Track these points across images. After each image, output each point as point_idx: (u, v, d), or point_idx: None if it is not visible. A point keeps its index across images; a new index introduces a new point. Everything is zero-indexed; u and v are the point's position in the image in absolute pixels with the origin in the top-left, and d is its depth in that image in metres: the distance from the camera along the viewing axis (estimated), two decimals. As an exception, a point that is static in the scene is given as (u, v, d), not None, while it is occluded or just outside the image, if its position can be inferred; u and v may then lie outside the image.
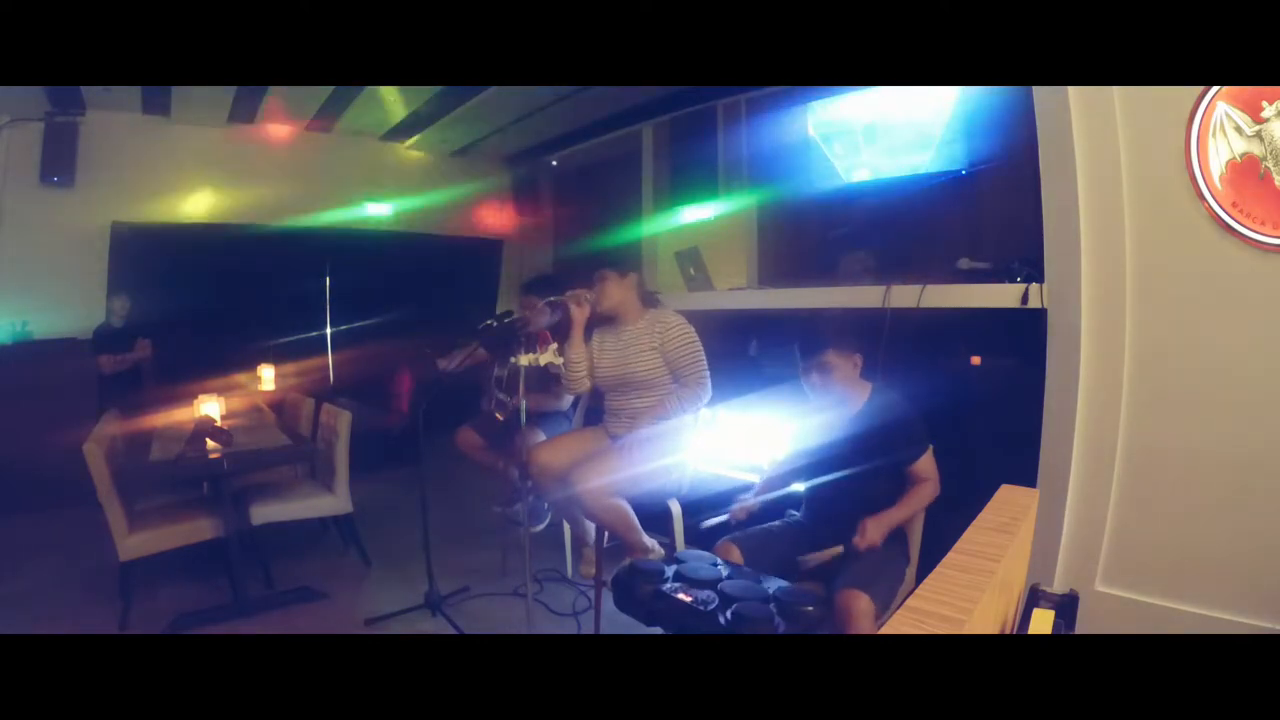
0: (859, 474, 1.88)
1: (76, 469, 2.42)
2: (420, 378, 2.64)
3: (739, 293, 3.63)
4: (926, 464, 1.86)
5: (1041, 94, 2.18)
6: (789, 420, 2.10)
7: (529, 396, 2.31)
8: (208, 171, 5.02)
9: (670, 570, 1.68)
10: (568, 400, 3.15)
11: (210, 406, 3.16)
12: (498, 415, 2.41)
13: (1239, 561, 1.91)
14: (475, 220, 6.40)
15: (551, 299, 2.49)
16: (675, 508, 2.40)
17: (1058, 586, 1.21)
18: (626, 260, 2.55)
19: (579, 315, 2.42)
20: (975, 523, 1.17)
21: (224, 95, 4.56)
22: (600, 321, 2.55)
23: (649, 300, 2.48)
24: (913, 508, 1.86)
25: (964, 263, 2.68)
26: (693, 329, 2.37)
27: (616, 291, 2.43)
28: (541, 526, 3.24)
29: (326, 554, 3.33)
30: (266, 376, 4.27)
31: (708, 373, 2.34)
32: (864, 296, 2.68)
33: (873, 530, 1.77)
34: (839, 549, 1.76)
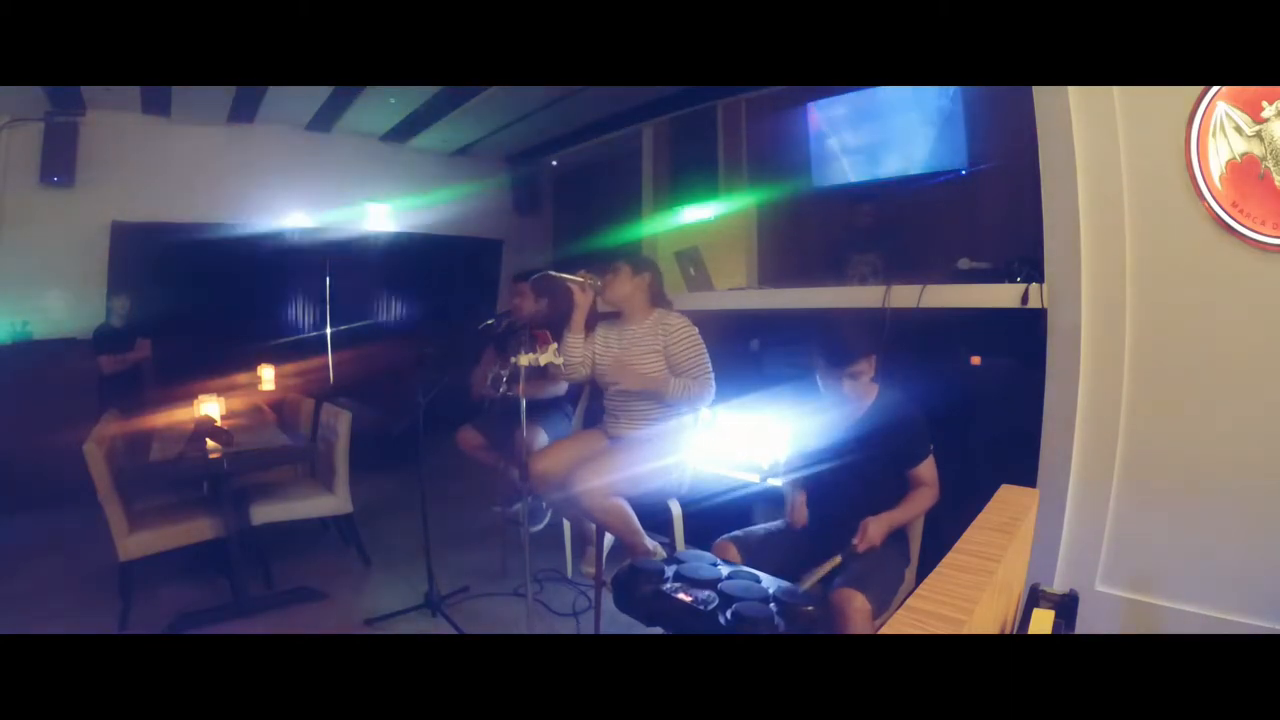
0: (862, 475, 1.88)
1: (76, 469, 2.43)
2: (420, 377, 2.63)
3: (739, 293, 3.63)
4: (928, 469, 1.86)
5: (1041, 94, 2.18)
6: (791, 420, 2.10)
7: (527, 384, 2.30)
8: (208, 171, 5.03)
9: (670, 570, 1.69)
10: (565, 385, 3.14)
11: (210, 406, 3.16)
12: (498, 389, 2.39)
13: (1239, 561, 1.90)
14: (475, 220, 6.40)
15: (552, 273, 2.42)
16: (675, 508, 2.40)
17: (1058, 586, 1.21)
18: (643, 259, 2.53)
19: (582, 300, 2.41)
20: (975, 523, 1.17)
21: (224, 95, 4.57)
22: (606, 317, 2.54)
23: (658, 301, 2.48)
24: (913, 511, 1.86)
25: (964, 263, 2.67)
26: (696, 330, 2.37)
27: (626, 286, 2.41)
28: (541, 526, 3.24)
29: (326, 554, 3.33)
30: (266, 376, 4.27)
31: (711, 373, 2.34)
32: (864, 296, 2.67)
33: (873, 531, 1.77)
34: (837, 560, 1.76)
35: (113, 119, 4.67)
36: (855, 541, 1.76)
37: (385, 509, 3.80)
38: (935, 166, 3.55)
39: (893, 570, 1.81)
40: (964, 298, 2.40)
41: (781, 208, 4.38)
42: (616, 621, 2.04)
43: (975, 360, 2.45)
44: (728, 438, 2.52)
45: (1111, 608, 2.10)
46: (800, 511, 1.94)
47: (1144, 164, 2.02)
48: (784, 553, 1.91)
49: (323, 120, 5.26)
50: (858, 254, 3.58)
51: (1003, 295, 2.29)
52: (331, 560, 3.24)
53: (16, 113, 4.34)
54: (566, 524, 2.97)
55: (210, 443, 2.72)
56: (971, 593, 0.89)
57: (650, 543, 2.34)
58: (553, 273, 2.43)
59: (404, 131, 5.59)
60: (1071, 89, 2.08)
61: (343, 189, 5.59)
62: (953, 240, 3.09)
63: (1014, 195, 2.68)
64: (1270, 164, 1.81)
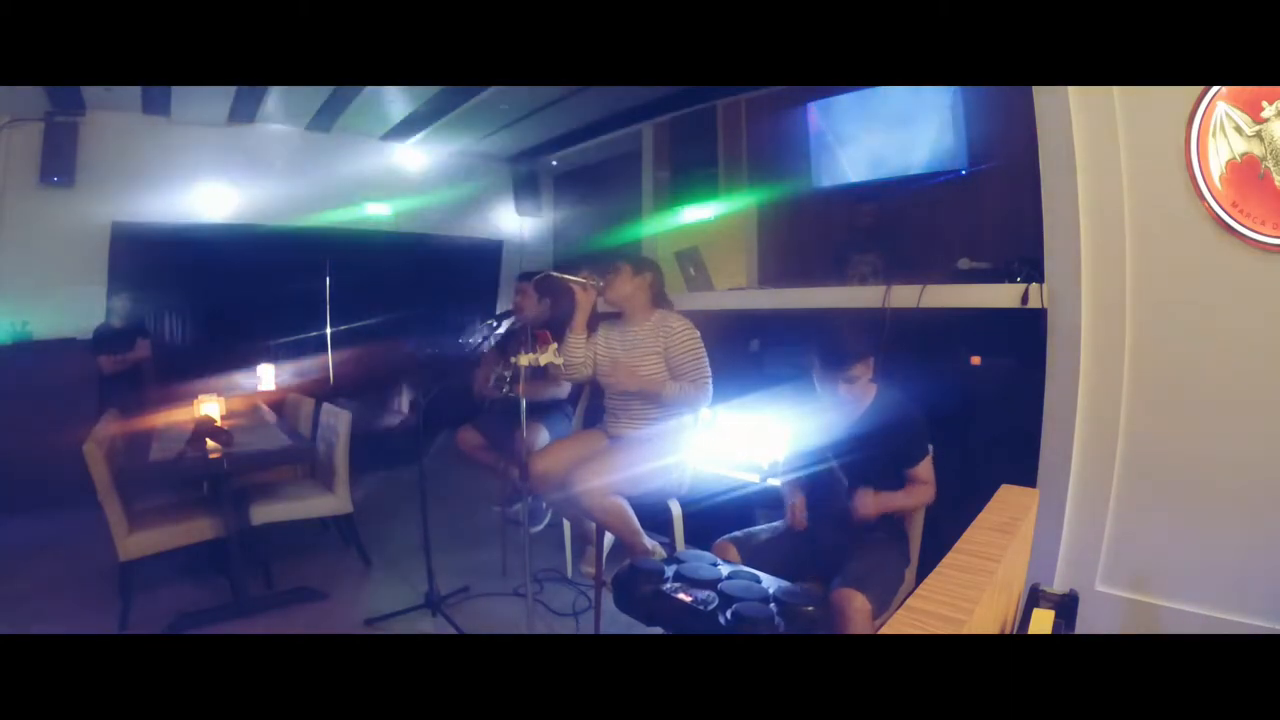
0: (862, 474, 1.88)
1: (76, 469, 2.42)
2: (420, 378, 2.63)
3: (739, 293, 3.63)
4: (926, 469, 1.87)
5: (1041, 94, 2.18)
6: (791, 420, 2.10)
7: (528, 384, 2.30)
8: (208, 171, 5.02)
9: (670, 570, 1.69)
10: (567, 387, 3.14)
11: (210, 406, 3.16)
12: (500, 389, 2.39)
13: (1239, 561, 1.91)
14: (475, 220, 6.40)
15: (554, 273, 2.44)
16: (675, 508, 2.40)
17: (1058, 586, 1.21)
18: (644, 259, 2.54)
19: (584, 299, 2.41)
20: (975, 523, 1.17)
21: (224, 95, 4.57)
22: (608, 318, 2.54)
23: (660, 302, 2.48)
24: (909, 501, 1.86)
25: (964, 263, 2.67)
26: (698, 333, 2.37)
27: (627, 286, 2.41)
28: (541, 526, 3.24)
29: (326, 554, 3.33)
30: (266, 376, 4.27)
31: (709, 377, 2.34)
32: (864, 296, 2.68)
33: (871, 502, 1.78)
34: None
35: (113, 119, 4.67)
36: (854, 504, 1.79)
37: (385, 509, 3.80)
38: (935, 166, 3.55)
39: (893, 570, 1.81)
40: (964, 298, 2.40)
41: (781, 208, 4.38)
42: (616, 621, 2.04)
43: (975, 360, 2.45)
44: (728, 438, 2.52)
45: (1111, 608, 2.10)
46: (800, 514, 1.95)
47: (1144, 164, 2.02)
48: (784, 553, 1.91)
49: (323, 120, 5.26)
50: (858, 254, 3.58)
51: (1003, 295, 2.29)
52: (331, 560, 3.24)
53: (16, 113, 4.34)
54: (566, 524, 2.98)
55: (210, 443, 2.72)
56: (971, 593, 0.89)
57: (650, 542, 2.34)
58: (555, 273, 2.43)
59: (404, 131, 5.59)
60: (1071, 89, 2.08)
61: (343, 189, 5.59)
62: (953, 240, 3.09)
63: (1014, 195, 2.68)
64: (1270, 164, 1.81)
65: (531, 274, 3.21)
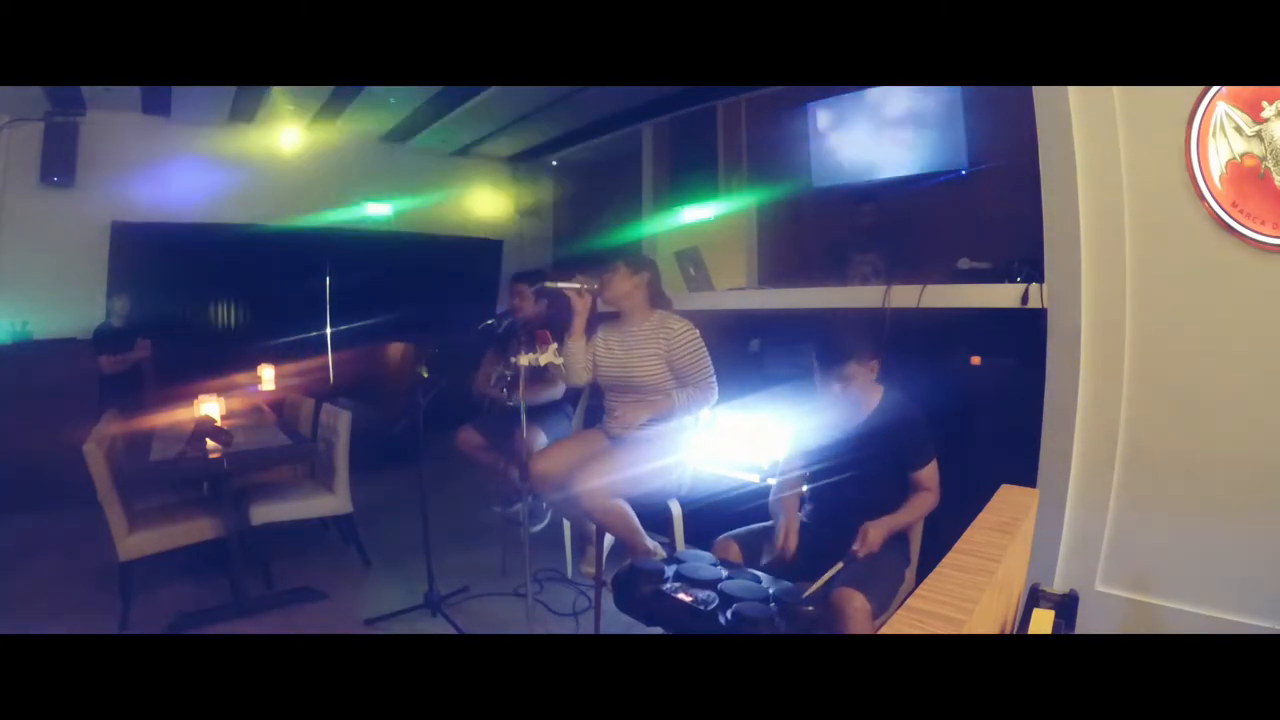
0: (865, 476, 1.88)
1: (76, 469, 2.42)
2: (420, 378, 2.63)
3: (739, 293, 3.63)
4: (930, 473, 1.86)
5: (1041, 94, 2.18)
6: (793, 420, 2.09)
7: (528, 385, 2.29)
8: (208, 171, 5.03)
9: (670, 570, 1.69)
10: (562, 388, 3.14)
11: (210, 406, 3.15)
12: (501, 390, 2.37)
13: (1239, 561, 1.90)
14: (475, 220, 6.41)
15: (548, 284, 2.44)
16: (675, 508, 2.40)
17: (1058, 586, 1.21)
18: (641, 258, 2.53)
19: (580, 304, 2.40)
20: (975, 523, 1.17)
21: (224, 95, 4.57)
22: (607, 319, 2.54)
23: (658, 302, 2.47)
24: (913, 515, 1.85)
25: (964, 263, 2.67)
26: (698, 334, 2.37)
27: (624, 285, 2.40)
28: (541, 526, 3.24)
29: (326, 554, 3.33)
30: (266, 376, 4.26)
31: (714, 378, 2.34)
32: (864, 296, 2.67)
33: (873, 535, 1.76)
34: (840, 565, 1.75)
35: (113, 119, 4.68)
36: (855, 547, 1.76)
37: (385, 509, 3.79)
38: (935, 166, 3.56)
39: (893, 570, 1.81)
40: (964, 298, 2.40)
41: (781, 208, 4.38)
42: (616, 621, 2.04)
43: (975, 360, 2.45)
44: (728, 438, 2.52)
45: (1111, 608, 2.10)
46: (790, 540, 1.91)
47: (1144, 164, 2.01)
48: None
49: (323, 120, 5.26)
50: (858, 254, 3.58)
51: (1003, 295, 2.29)
52: (331, 560, 3.24)
53: (16, 113, 4.34)
54: (566, 524, 2.97)
55: (210, 443, 2.72)
56: (971, 593, 0.89)
57: (650, 543, 2.34)
58: (549, 284, 2.43)
59: (404, 131, 5.59)
60: (1071, 89, 2.08)
61: (343, 189, 5.59)
62: (953, 240, 3.09)
63: (1014, 195, 2.68)
64: (1270, 164, 1.81)
65: (526, 274, 3.21)
